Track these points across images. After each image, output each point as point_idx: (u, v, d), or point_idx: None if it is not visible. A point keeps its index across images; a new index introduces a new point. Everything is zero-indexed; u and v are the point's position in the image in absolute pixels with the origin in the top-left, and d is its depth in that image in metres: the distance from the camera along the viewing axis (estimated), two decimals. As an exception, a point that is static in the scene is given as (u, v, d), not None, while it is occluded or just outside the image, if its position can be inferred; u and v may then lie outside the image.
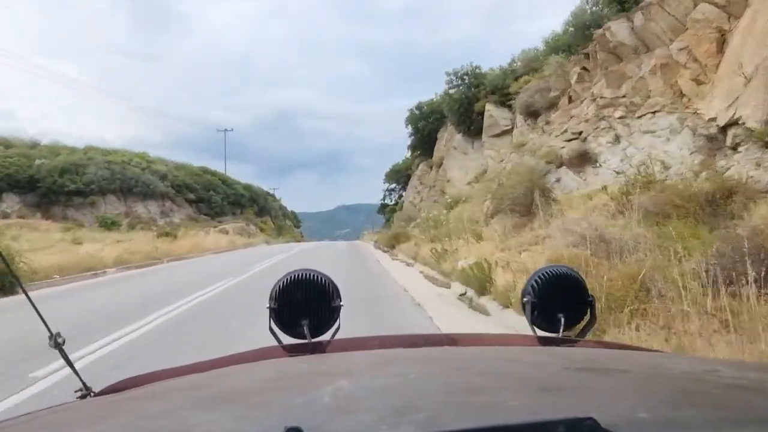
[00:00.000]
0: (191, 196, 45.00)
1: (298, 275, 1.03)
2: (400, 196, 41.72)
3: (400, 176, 40.94)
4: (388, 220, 38.66)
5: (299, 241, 58.63)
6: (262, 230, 49.69)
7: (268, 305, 1.01)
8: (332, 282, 1.05)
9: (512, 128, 18.79)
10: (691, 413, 0.52)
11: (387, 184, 43.22)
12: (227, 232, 39.44)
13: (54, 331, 0.90)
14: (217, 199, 47.21)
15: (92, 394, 0.90)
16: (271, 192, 77.63)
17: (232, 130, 57.81)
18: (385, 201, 43.96)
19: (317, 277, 1.04)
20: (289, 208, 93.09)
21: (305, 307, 1.01)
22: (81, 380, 0.93)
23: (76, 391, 0.93)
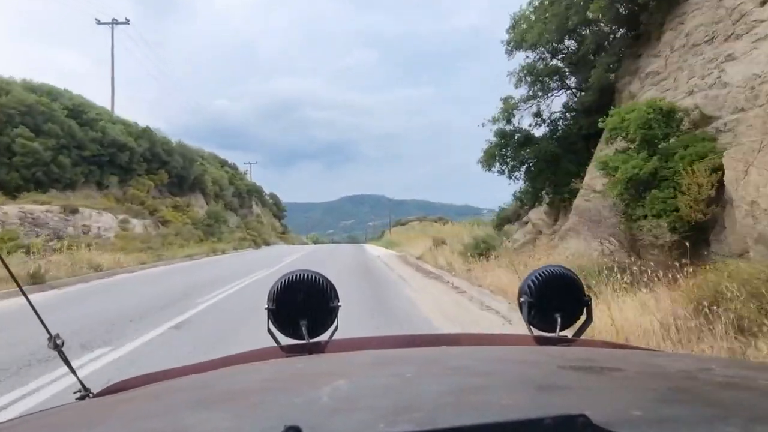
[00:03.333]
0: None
1: (296, 276, 1.02)
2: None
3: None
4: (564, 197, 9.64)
5: (264, 246, 32.09)
6: (164, 221, 21.87)
7: (266, 306, 1.01)
8: (330, 283, 1.05)
9: None
10: (683, 411, 0.52)
11: (527, 55, 11.73)
12: None
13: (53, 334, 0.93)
14: (32, 150, 18.32)
15: (91, 395, 0.90)
16: (237, 164, 49.83)
17: (128, 22, 28.84)
18: (510, 118, 11.91)
19: (315, 277, 1.04)
20: (271, 191, 63.80)
21: (303, 307, 1.00)
22: (80, 381, 0.93)
23: (74, 393, 0.93)
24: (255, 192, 51.72)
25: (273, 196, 63.64)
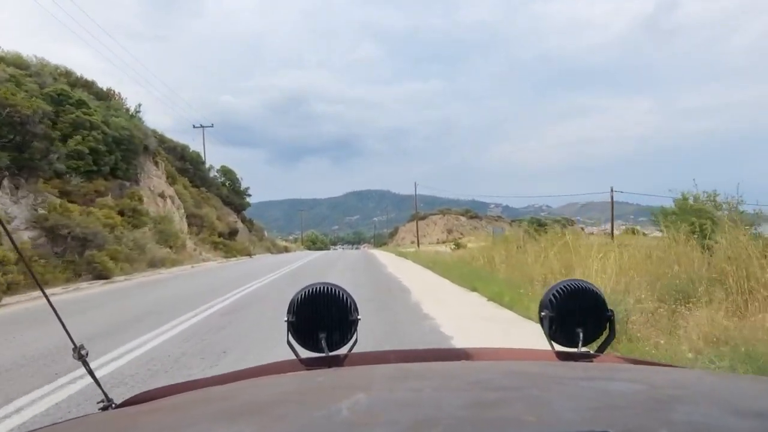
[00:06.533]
0: None
1: (316, 289, 1.02)
2: None
3: None
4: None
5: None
6: None
7: (286, 318, 1.01)
8: (350, 296, 1.04)
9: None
10: (708, 429, 0.51)
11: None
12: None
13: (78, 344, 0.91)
14: None
15: (114, 405, 0.91)
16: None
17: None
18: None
19: (335, 290, 1.03)
20: (222, 164, 43.22)
21: (323, 320, 1.00)
22: (103, 392, 0.94)
23: (98, 403, 0.92)
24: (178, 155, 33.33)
25: (227, 171, 42.14)
